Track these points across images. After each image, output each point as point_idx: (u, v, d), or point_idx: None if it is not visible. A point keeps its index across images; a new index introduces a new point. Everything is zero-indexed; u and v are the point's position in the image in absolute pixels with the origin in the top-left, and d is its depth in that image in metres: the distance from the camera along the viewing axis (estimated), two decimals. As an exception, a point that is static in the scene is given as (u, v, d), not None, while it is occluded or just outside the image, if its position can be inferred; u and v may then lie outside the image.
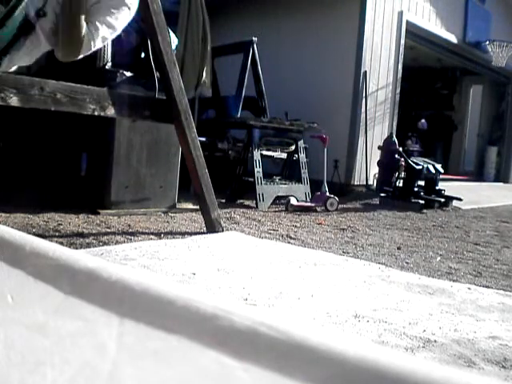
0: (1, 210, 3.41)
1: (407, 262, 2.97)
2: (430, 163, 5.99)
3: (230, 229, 3.56)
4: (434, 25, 7.76)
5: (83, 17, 2.47)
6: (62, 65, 3.97)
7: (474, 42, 8.69)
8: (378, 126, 6.91)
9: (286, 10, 7.18)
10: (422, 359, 0.40)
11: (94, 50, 2.56)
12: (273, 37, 7.03)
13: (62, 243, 2.67)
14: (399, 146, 6.25)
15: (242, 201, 5.09)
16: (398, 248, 3.40)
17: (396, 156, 6.07)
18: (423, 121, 11.06)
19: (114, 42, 4.05)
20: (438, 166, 6.03)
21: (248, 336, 0.43)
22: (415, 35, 7.42)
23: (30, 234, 0.66)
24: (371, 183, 6.72)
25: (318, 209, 4.97)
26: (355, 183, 6.65)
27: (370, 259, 2.97)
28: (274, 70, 6.77)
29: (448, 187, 6.24)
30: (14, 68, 2.54)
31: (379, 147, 6.44)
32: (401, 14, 6.97)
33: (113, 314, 0.50)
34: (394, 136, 6.50)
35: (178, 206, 4.21)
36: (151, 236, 3.14)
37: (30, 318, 0.53)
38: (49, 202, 3.88)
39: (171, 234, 3.26)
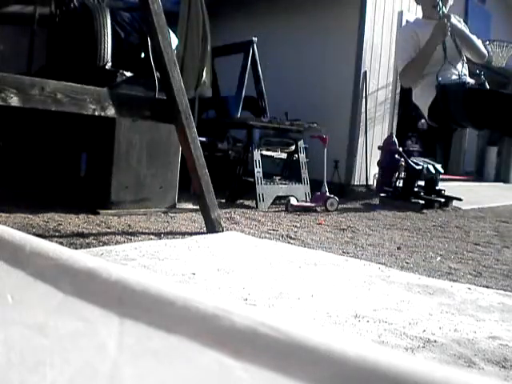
0: (1, 210, 3.41)
1: (407, 262, 2.97)
2: (430, 163, 5.99)
3: (230, 229, 3.56)
4: (434, 25, 7.76)
5: None
6: (62, 65, 3.98)
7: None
8: (378, 126, 6.90)
9: (286, 10, 7.18)
10: (421, 359, 0.40)
11: None
12: (273, 37, 7.02)
13: (62, 243, 2.67)
14: (399, 146, 6.25)
15: (241, 201, 5.08)
16: (398, 248, 3.40)
17: (396, 156, 6.07)
18: (423, 121, 11.04)
19: (114, 42, 4.06)
20: (438, 166, 6.02)
21: (248, 336, 0.43)
22: (415, 35, 7.41)
23: (30, 234, 0.66)
24: (371, 183, 6.72)
25: (318, 209, 4.97)
26: (355, 183, 6.65)
27: (370, 259, 2.97)
28: (273, 70, 6.77)
29: (448, 187, 6.24)
30: None
31: (379, 147, 6.44)
32: (401, 14, 6.97)
33: (113, 314, 0.50)
34: (394, 136, 6.49)
35: (178, 206, 4.21)
36: (151, 236, 3.14)
37: (30, 318, 0.53)
38: (49, 202, 3.88)
39: (171, 234, 3.26)
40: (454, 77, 2.30)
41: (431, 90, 2.23)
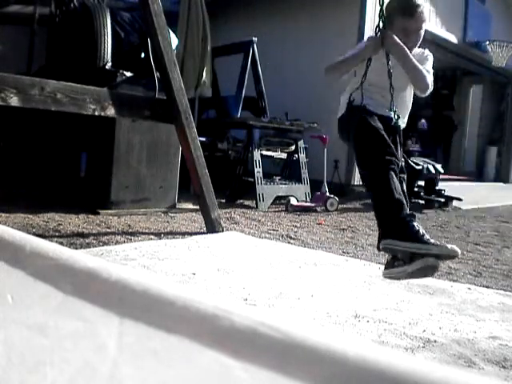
0: (1, 210, 3.41)
1: (407, 262, 2.97)
2: (430, 163, 5.99)
3: (230, 229, 3.56)
4: (434, 25, 7.76)
5: None
6: (62, 65, 3.97)
7: (474, 42, 8.69)
8: (378, 126, 6.90)
9: (286, 10, 7.18)
10: (421, 359, 0.41)
11: None
12: (273, 37, 7.03)
13: (62, 243, 2.67)
14: (399, 146, 6.24)
15: (241, 201, 5.08)
16: (398, 248, 3.39)
17: (396, 156, 6.06)
18: (423, 121, 11.05)
19: (114, 42, 4.06)
20: (438, 166, 6.02)
21: (248, 336, 0.43)
22: (415, 35, 7.40)
23: (30, 234, 0.66)
24: (371, 183, 6.71)
25: (318, 209, 4.97)
26: (355, 183, 6.65)
27: (369, 259, 2.97)
28: (273, 70, 6.77)
29: (448, 187, 6.24)
30: None
31: (379, 147, 6.43)
32: (401, 14, 6.97)
33: (113, 314, 0.50)
34: (394, 136, 6.48)
35: (178, 206, 4.21)
36: (151, 236, 3.14)
37: (30, 318, 0.53)
38: (49, 202, 3.88)
39: (171, 234, 3.26)
40: (370, 101, 2.22)
41: (345, 104, 2.26)
